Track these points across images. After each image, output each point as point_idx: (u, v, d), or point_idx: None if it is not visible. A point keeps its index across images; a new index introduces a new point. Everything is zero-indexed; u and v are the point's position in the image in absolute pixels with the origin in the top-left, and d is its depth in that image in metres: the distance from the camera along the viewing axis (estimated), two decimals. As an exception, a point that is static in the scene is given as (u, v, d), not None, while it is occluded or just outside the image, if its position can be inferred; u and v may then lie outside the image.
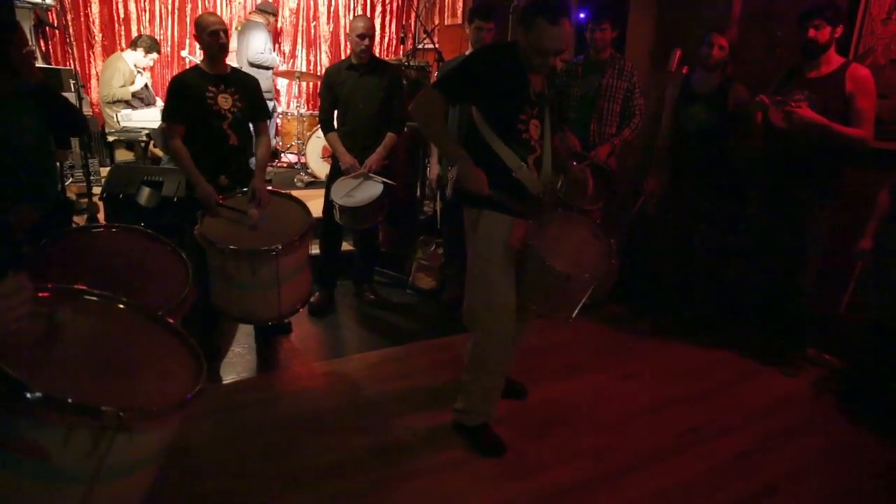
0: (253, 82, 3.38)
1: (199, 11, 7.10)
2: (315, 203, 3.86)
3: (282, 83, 7.78)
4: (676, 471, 2.58)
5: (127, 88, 5.84)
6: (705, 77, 3.58)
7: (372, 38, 3.67)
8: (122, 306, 1.71)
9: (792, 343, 3.52)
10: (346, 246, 4.45)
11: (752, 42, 3.89)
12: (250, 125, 3.37)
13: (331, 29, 7.87)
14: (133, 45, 5.96)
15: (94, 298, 1.68)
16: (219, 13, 7.22)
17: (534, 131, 2.40)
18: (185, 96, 3.11)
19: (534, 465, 2.55)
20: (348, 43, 3.75)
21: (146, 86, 6.12)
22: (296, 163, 6.96)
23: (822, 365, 3.50)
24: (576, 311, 2.48)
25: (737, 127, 3.53)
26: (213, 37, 3.08)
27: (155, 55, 6.05)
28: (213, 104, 3.14)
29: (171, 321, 1.74)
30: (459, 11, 6.85)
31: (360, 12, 7.82)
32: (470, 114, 2.46)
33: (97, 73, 6.51)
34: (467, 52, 3.65)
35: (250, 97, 3.29)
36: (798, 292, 3.34)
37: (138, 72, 5.96)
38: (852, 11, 3.34)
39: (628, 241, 4.32)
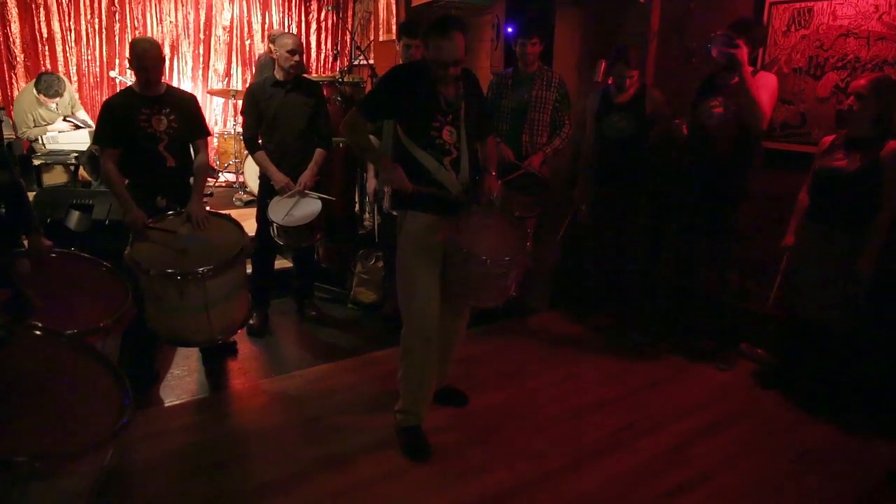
0: (190, 100, 3.34)
1: (128, 31, 6.97)
2: (252, 222, 3.84)
3: (217, 102, 7.68)
4: (613, 466, 2.67)
5: (44, 128, 5.59)
6: (623, 89, 3.74)
7: (302, 53, 3.68)
8: (38, 333, 1.62)
9: (725, 338, 3.66)
10: (284, 263, 4.43)
11: (669, 53, 4.08)
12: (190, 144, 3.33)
13: (266, 47, 7.82)
14: (36, 83, 5.60)
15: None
16: (149, 33, 7.10)
17: (448, 136, 2.55)
18: (116, 120, 3.05)
19: (475, 470, 2.60)
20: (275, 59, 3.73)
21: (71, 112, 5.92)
22: (234, 182, 6.89)
23: (754, 359, 3.63)
24: (503, 298, 2.68)
25: (656, 131, 3.70)
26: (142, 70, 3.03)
27: (57, 99, 5.64)
28: (147, 127, 3.08)
29: (93, 345, 1.67)
30: (394, 27, 6.93)
31: (294, 30, 7.80)
32: (394, 127, 2.62)
33: (20, 94, 6.29)
34: None
35: (187, 116, 3.24)
36: (726, 287, 3.50)
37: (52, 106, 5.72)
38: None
39: (563, 248, 4.44)
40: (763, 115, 3.14)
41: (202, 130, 3.37)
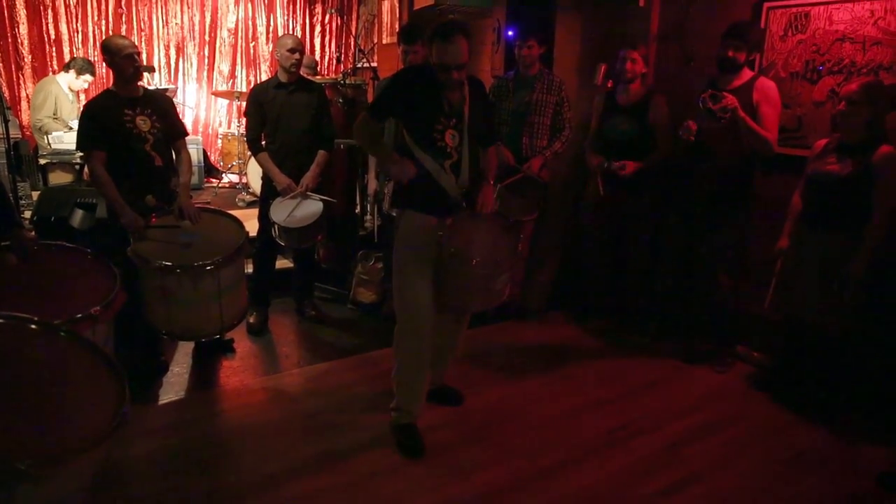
0: (167, 102, 3.36)
1: (135, 33, 7.02)
2: (255, 222, 3.88)
3: (221, 103, 7.73)
4: (607, 465, 2.69)
5: (62, 119, 5.67)
6: (627, 90, 3.77)
7: (301, 52, 3.72)
8: (34, 327, 1.60)
9: (722, 341, 3.67)
10: (284, 263, 4.46)
11: (669, 56, 4.10)
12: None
13: (270, 49, 7.88)
14: (66, 67, 5.84)
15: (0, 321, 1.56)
16: (155, 35, 7.16)
17: (449, 140, 2.58)
18: (102, 122, 3.03)
19: (469, 467, 2.62)
20: (277, 60, 3.77)
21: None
22: (237, 183, 6.94)
23: (751, 361, 3.65)
24: (494, 302, 2.71)
25: (655, 138, 3.72)
26: (128, 60, 3.01)
27: (88, 77, 5.91)
28: (133, 127, 3.07)
29: (90, 340, 1.68)
30: (398, 30, 6.97)
31: (298, 33, 7.86)
32: (399, 129, 2.66)
33: (28, 95, 6.35)
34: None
35: (166, 116, 3.25)
36: (719, 290, 3.52)
37: (71, 97, 5.82)
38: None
39: (563, 250, 4.46)
40: (772, 143, 3.23)
41: (181, 131, 3.39)
